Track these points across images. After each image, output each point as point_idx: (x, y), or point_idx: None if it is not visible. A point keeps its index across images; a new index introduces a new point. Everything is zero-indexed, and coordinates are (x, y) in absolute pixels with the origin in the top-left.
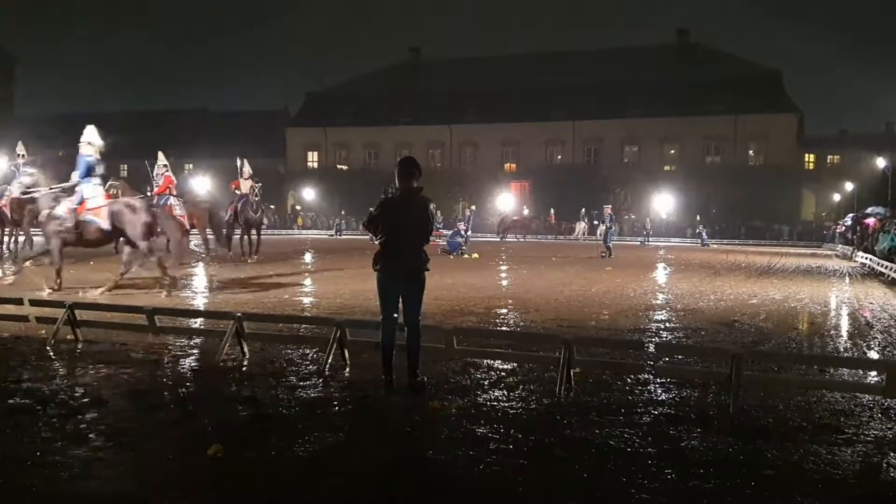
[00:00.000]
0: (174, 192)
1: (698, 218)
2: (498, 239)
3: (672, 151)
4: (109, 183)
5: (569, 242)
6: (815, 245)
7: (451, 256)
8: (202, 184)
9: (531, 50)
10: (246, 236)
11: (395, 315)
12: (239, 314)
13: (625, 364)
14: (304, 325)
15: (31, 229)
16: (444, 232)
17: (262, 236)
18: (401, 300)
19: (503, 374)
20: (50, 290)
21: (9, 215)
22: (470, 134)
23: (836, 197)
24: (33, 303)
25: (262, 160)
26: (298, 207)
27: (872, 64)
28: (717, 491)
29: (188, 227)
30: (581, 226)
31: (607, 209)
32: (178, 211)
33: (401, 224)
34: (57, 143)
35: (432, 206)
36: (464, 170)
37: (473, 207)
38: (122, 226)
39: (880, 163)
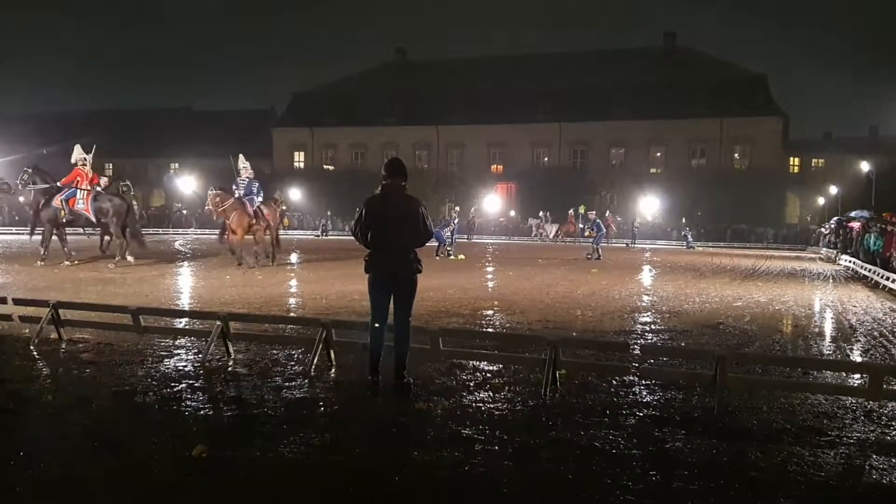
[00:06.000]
0: (81, 186)
1: (684, 220)
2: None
3: (658, 154)
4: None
5: (555, 244)
6: (799, 248)
7: (438, 258)
8: (187, 183)
9: (518, 52)
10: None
11: (385, 317)
12: (224, 314)
13: (610, 366)
14: (289, 326)
15: None
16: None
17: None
18: (392, 301)
19: (489, 375)
20: None
21: None
22: (456, 135)
23: (821, 200)
24: (17, 302)
25: (249, 160)
26: (284, 207)
27: (857, 68)
28: (701, 492)
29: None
30: (553, 227)
31: (591, 214)
32: (81, 206)
33: (384, 219)
34: (41, 142)
35: (423, 208)
36: (450, 171)
37: (458, 208)
38: None
39: (864, 166)
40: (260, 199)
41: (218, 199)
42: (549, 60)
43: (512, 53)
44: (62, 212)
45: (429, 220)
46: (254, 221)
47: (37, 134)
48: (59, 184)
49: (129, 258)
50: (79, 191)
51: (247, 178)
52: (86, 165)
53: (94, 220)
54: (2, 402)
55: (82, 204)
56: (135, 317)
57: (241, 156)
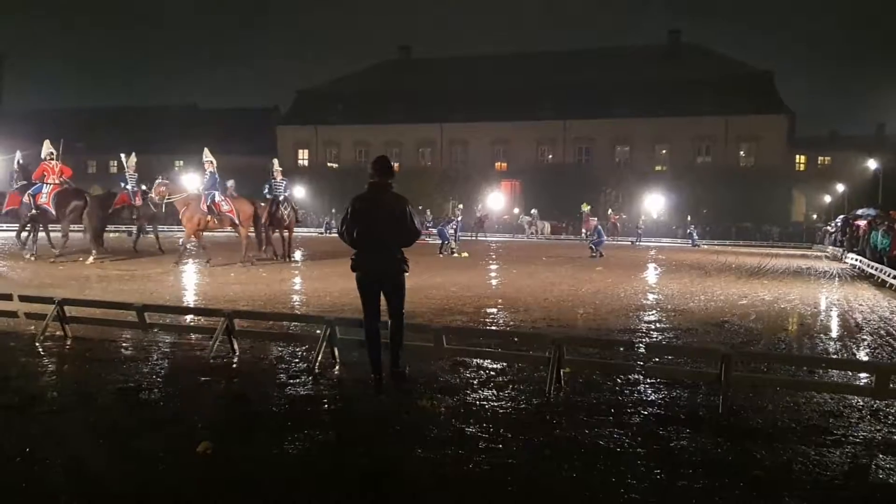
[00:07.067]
0: (47, 181)
1: (689, 218)
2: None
3: (663, 151)
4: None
5: (558, 243)
6: (805, 246)
7: (441, 255)
8: (191, 181)
9: (522, 49)
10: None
11: (377, 315)
12: (229, 311)
13: (615, 364)
14: (294, 323)
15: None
16: (433, 231)
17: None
18: (383, 300)
19: (493, 373)
20: None
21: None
22: (460, 132)
23: (827, 198)
24: (23, 298)
25: (253, 157)
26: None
27: (864, 66)
28: (705, 491)
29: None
30: (546, 225)
31: (593, 221)
32: (43, 200)
33: (371, 218)
34: (44, 140)
35: (410, 207)
36: (454, 168)
37: (461, 206)
38: None
39: (871, 164)
40: (285, 195)
41: (163, 188)
42: (554, 58)
43: (516, 51)
44: (31, 207)
45: (416, 218)
46: (208, 217)
47: (40, 132)
48: (34, 179)
49: (90, 257)
50: (45, 185)
51: (210, 171)
52: (52, 160)
53: (54, 214)
54: (7, 398)
55: (45, 198)
56: (140, 314)
57: (205, 149)
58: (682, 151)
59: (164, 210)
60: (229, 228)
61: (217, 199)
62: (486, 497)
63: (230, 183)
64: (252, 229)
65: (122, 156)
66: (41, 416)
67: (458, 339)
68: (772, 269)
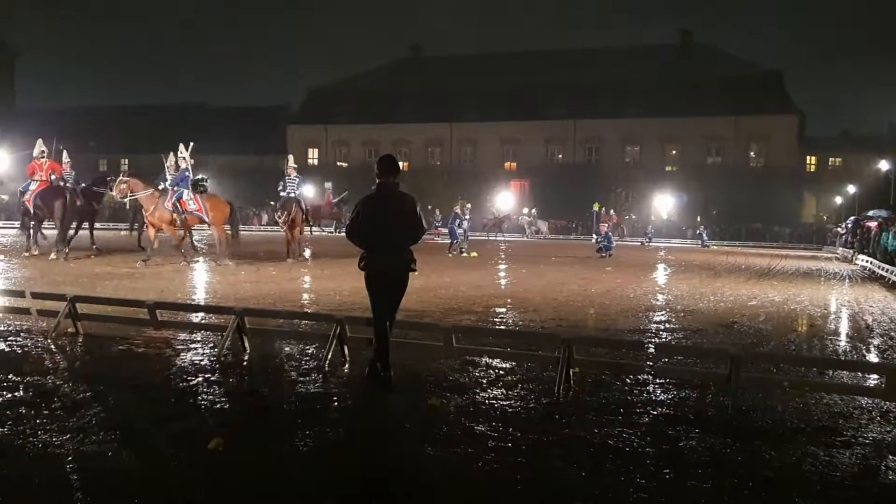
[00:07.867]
0: (34, 178)
1: (699, 219)
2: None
3: (673, 152)
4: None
5: (566, 243)
6: (815, 247)
7: (451, 255)
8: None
9: (532, 48)
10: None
11: (387, 313)
12: (240, 309)
13: (624, 364)
14: (304, 322)
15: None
16: (443, 230)
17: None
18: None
19: (502, 372)
20: None
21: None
22: (469, 132)
23: (838, 199)
24: (35, 296)
25: (263, 156)
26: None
27: (876, 65)
28: (714, 491)
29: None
30: (544, 224)
31: (603, 227)
32: (26, 197)
33: (381, 218)
34: (58, 138)
35: (417, 205)
36: (463, 168)
37: (469, 205)
38: None
39: (883, 165)
40: (297, 192)
41: (124, 186)
42: (564, 57)
43: (525, 50)
44: (21, 204)
45: (424, 216)
46: (174, 215)
47: (51, 130)
48: (27, 177)
49: (52, 254)
50: (32, 183)
51: (182, 168)
52: (42, 158)
53: (31, 211)
54: (20, 394)
55: (28, 195)
56: (152, 311)
57: (181, 146)
58: (692, 151)
59: (128, 207)
60: (207, 226)
61: (185, 197)
62: (495, 495)
63: (328, 185)
64: (228, 228)
65: (162, 155)
66: (54, 413)
67: (468, 339)
68: (781, 271)
